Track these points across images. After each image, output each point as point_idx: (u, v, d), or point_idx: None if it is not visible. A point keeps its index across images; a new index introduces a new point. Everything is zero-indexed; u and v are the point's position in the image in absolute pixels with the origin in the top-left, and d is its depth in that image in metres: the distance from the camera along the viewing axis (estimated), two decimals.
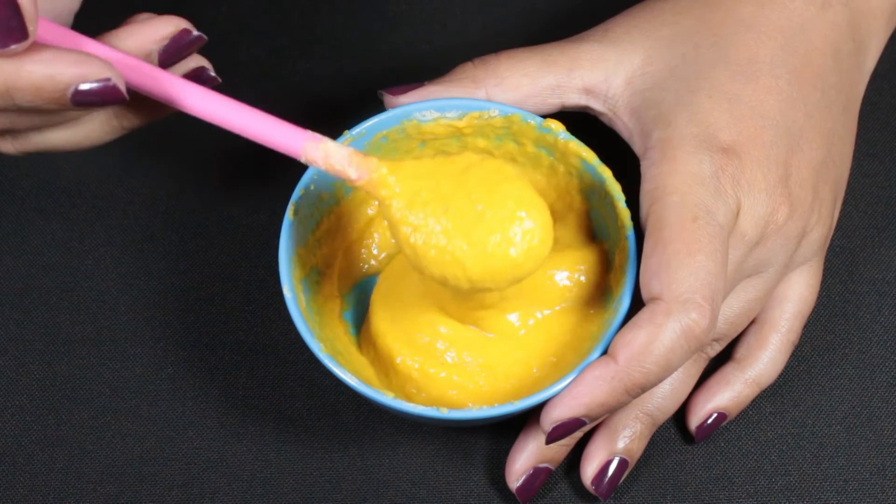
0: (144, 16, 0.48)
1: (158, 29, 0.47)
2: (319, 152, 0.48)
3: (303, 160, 0.48)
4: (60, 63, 0.43)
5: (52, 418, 0.58)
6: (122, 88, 0.44)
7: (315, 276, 0.55)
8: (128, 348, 0.59)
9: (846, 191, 0.57)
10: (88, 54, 0.44)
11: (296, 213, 0.53)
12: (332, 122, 0.63)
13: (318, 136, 0.48)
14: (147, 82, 0.46)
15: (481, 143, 0.56)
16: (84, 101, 0.43)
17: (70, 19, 0.51)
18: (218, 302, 0.60)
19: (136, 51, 0.47)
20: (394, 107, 0.55)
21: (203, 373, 0.59)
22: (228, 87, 0.65)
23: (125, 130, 0.49)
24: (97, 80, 0.43)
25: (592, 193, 0.55)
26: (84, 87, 0.43)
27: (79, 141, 0.48)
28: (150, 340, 0.59)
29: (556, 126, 0.54)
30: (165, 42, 0.47)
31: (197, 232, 0.62)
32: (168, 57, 0.48)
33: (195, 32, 0.48)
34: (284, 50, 0.66)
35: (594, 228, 0.56)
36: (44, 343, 0.59)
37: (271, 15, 0.67)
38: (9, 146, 0.48)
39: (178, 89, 0.46)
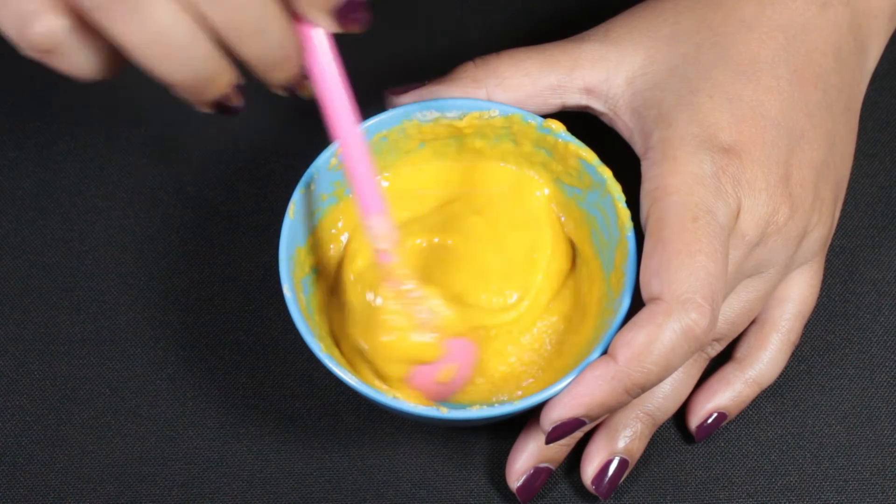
0: None
1: None
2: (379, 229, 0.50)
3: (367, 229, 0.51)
4: None
5: (52, 418, 0.58)
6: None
7: (315, 276, 0.55)
8: (128, 348, 0.59)
9: (846, 191, 0.57)
10: None
11: (296, 213, 0.53)
12: None
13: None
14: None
15: (479, 143, 0.56)
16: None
17: None
18: (218, 302, 0.60)
19: None
20: (394, 106, 0.55)
21: (203, 373, 0.59)
22: None
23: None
24: None
25: (592, 194, 0.55)
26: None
27: None
28: (150, 340, 0.59)
29: (557, 126, 0.54)
30: None
31: (197, 232, 0.62)
32: None
33: None
34: None
35: (594, 228, 0.56)
36: (44, 343, 0.59)
37: None
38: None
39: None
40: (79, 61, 0.43)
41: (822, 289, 0.58)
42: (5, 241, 0.62)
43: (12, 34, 0.42)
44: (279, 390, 0.58)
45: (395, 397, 0.50)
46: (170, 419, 0.58)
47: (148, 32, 0.41)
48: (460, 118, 0.55)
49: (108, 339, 0.59)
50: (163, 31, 0.41)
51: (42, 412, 0.58)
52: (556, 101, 0.55)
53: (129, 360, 0.59)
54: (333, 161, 0.54)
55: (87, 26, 0.42)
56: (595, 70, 0.54)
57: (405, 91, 0.55)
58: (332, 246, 0.56)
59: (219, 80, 0.44)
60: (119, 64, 0.44)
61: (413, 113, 0.55)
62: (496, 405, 0.50)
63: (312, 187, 0.54)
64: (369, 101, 0.57)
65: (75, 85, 0.66)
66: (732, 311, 0.54)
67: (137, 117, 0.65)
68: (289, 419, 0.58)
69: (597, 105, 0.55)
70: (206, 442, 0.57)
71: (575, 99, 0.55)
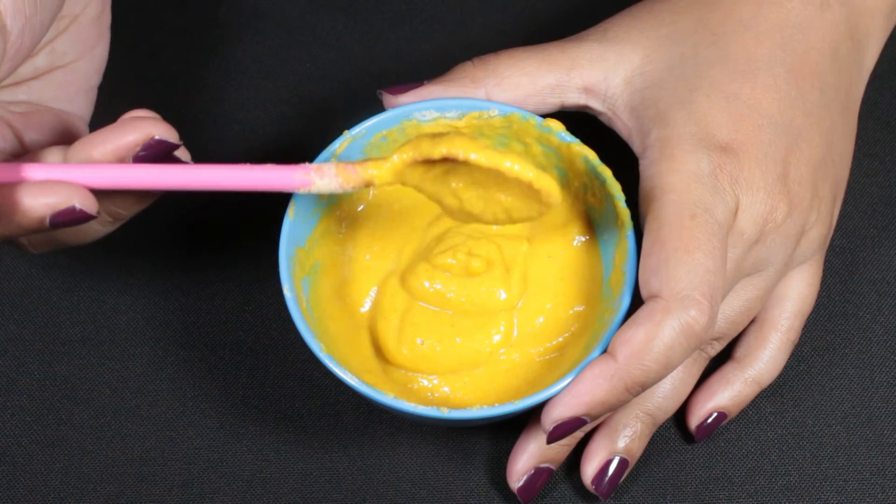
0: (131, 114, 0.49)
1: (129, 136, 0.48)
2: (325, 178, 0.49)
3: (314, 191, 0.49)
4: (29, 199, 0.46)
5: (52, 418, 0.58)
6: (90, 209, 0.47)
7: (315, 276, 0.55)
8: (128, 348, 0.59)
9: (846, 191, 0.57)
10: (53, 182, 0.46)
11: (296, 213, 0.53)
12: (332, 122, 0.63)
13: (307, 165, 0.49)
14: (121, 183, 0.48)
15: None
16: (61, 224, 0.46)
17: (93, 94, 0.54)
18: (218, 302, 0.60)
19: (109, 158, 0.48)
20: (393, 106, 0.55)
21: (203, 373, 0.59)
22: (229, 87, 0.65)
23: (121, 221, 0.51)
24: (65, 207, 0.46)
25: (593, 193, 0.55)
26: (56, 214, 0.46)
27: (82, 239, 0.51)
28: (150, 340, 0.59)
29: (556, 126, 0.54)
30: (138, 149, 0.48)
31: (197, 232, 0.62)
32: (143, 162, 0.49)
33: (172, 140, 0.49)
34: (284, 50, 0.66)
35: (594, 228, 0.56)
36: (44, 343, 0.59)
37: (271, 15, 0.67)
38: (30, 249, 0.51)
39: (155, 177, 0.48)
40: None
41: (822, 289, 0.58)
42: None
43: None
44: (279, 390, 0.59)
45: (395, 397, 0.50)
46: (170, 419, 0.58)
47: None
48: (459, 118, 0.55)
49: (108, 339, 0.60)
50: None
51: (42, 412, 0.58)
52: (554, 101, 0.55)
53: (129, 360, 0.59)
54: (333, 161, 0.54)
55: None
56: (593, 69, 0.54)
57: (404, 90, 0.55)
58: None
59: None
60: None
61: (412, 113, 0.55)
62: (497, 405, 0.50)
63: None
64: (369, 101, 0.57)
65: None
66: (732, 310, 0.54)
67: None
68: (289, 419, 0.58)
69: (595, 104, 0.55)
70: (206, 442, 0.57)
71: (573, 98, 0.55)
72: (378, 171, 0.49)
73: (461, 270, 0.54)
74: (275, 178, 0.49)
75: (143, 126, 0.48)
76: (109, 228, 0.51)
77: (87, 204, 0.46)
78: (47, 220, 0.46)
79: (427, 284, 0.54)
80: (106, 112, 0.65)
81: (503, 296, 0.54)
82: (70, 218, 0.46)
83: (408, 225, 0.55)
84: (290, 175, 0.49)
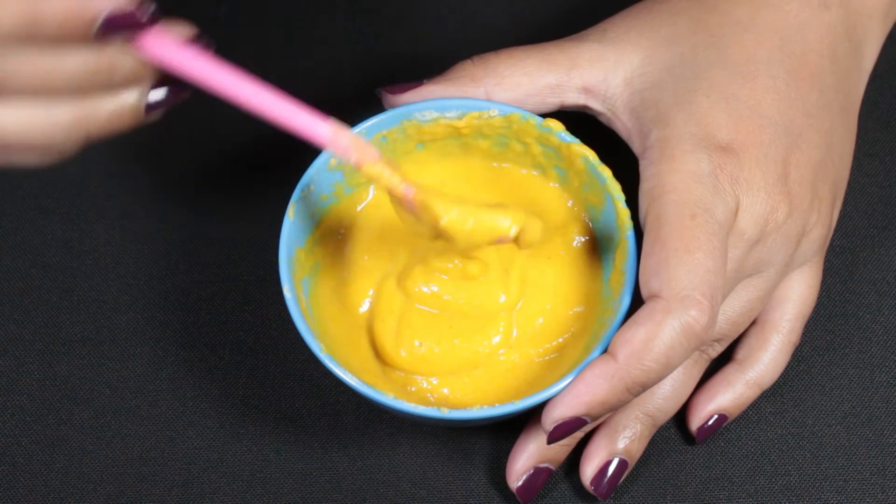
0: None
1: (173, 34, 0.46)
2: (346, 138, 0.49)
3: (329, 147, 0.49)
4: None
5: (52, 418, 0.58)
6: (146, 14, 0.44)
7: (315, 276, 0.55)
8: (128, 348, 0.59)
9: (846, 191, 0.57)
10: None
11: (296, 213, 0.53)
12: None
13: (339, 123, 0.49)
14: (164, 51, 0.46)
15: (483, 144, 0.56)
16: (111, 29, 0.43)
17: None
18: (218, 302, 0.60)
19: None
20: (393, 105, 0.55)
21: (203, 373, 0.59)
22: None
23: (89, 139, 0.47)
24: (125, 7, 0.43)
25: (593, 193, 0.55)
26: (113, 14, 0.43)
27: (42, 154, 0.47)
28: (150, 340, 0.59)
29: (556, 125, 0.54)
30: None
31: (197, 232, 0.62)
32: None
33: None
34: (284, 50, 0.66)
35: (594, 228, 0.56)
36: (44, 343, 0.59)
37: (271, 15, 0.67)
38: None
39: (203, 68, 0.47)
40: None
41: (822, 289, 0.58)
42: (5, 241, 0.62)
43: None
44: (279, 390, 0.59)
45: (395, 397, 0.50)
46: (170, 419, 0.58)
47: None
48: (459, 118, 0.55)
49: (108, 339, 0.60)
50: None
51: (42, 412, 0.58)
52: (554, 101, 0.55)
53: (129, 360, 0.59)
54: (333, 161, 0.54)
55: None
56: (593, 69, 0.54)
57: (404, 90, 0.55)
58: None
59: None
60: None
61: (412, 113, 0.55)
62: (497, 405, 0.50)
63: (312, 188, 0.54)
64: (369, 100, 0.57)
65: None
66: (733, 311, 0.54)
67: None
68: (289, 419, 0.58)
69: (595, 105, 0.55)
70: (206, 442, 0.57)
71: (573, 98, 0.55)
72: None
73: (458, 274, 0.54)
74: (309, 129, 0.48)
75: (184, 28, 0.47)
76: (72, 146, 0.47)
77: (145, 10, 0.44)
78: (99, 22, 0.43)
79: (424, 288, 0.54)
80: None
81: (502, 298, 0.54)
82: (128, 16, 0.43)
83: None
84: (327, 133, 0.48)
